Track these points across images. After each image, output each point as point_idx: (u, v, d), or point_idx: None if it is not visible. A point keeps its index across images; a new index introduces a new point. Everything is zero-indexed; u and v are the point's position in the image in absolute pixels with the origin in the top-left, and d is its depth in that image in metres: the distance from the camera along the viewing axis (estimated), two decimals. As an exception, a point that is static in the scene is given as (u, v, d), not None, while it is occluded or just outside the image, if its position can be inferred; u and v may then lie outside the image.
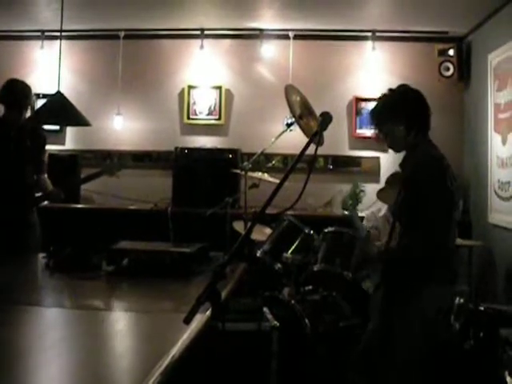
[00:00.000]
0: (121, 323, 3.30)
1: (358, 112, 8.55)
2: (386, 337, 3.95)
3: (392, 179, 6.51)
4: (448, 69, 8.22)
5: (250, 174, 6.25)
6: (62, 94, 5.36)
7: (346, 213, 4.32)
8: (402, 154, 4.23)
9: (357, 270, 5.47)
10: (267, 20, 8.25)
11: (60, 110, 5.32)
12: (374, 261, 4.31)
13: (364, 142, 8.59)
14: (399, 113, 3.99)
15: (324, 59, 8.71)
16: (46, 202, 6.01)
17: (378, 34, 8.46)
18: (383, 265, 4.09)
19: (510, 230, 6.60)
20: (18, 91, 5.75)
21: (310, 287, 5.63)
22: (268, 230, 6.03)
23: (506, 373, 4.55)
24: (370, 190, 7.51)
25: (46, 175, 5.87)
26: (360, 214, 6.77)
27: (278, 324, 4.39)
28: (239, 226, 6.27)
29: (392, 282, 4.02)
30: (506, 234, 6.73)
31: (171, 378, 2.33)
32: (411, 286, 3.82)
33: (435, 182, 3.81)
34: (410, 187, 3.92)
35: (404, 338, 3.84)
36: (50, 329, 3.06)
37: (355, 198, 5.61)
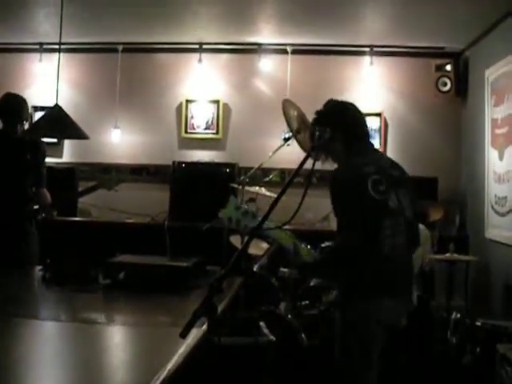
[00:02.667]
0: (117, 337, 3.29)
1: (356, 127, 8.54)
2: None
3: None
4: (445, 84, 8.25)
5: (247, 188, 6.26)
6: (59, 107, 5.36)
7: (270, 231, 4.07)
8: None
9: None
10: (265, 34, 8.28)
11: (58, 122, 5.32)
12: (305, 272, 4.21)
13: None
14: (336, 131, 3.80)
15: (322, 74, 8.72)
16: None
17: (375, 49, 8.48)
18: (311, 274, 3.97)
19: (507, 245, 6.60)
20: (14, 105, 5.75)
21: (307, 302, 5.63)
22: (265, 245, 6.03)
23: (503, 388, 4.55)
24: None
25: (45, 189, 5.86)
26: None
27: (274, 339, 4.39)
28: (236, 241, 6.27)
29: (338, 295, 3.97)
30: (503, 249, 6.72)
31: (167, 393, 2.33)
32: (344, 296, 3.78)
33: (350, 190, 3.67)
34: (331, 198, 3.78)
35: (340, 351, 3.78)
36: (46, 342, 3.06)
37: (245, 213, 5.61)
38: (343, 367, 3.73)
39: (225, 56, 8.93)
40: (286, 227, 3.31)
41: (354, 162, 3.83)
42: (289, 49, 8.57)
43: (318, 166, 3.46)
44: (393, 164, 3.99)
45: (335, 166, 3.95)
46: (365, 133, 4.06)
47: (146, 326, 3.43)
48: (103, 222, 8.34)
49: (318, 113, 4.06)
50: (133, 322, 3.57)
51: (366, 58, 8.58)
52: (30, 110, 7.14)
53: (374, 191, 3.66)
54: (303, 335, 5.05)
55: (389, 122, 8.63)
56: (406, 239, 3.75)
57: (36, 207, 5.74)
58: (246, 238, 3.13)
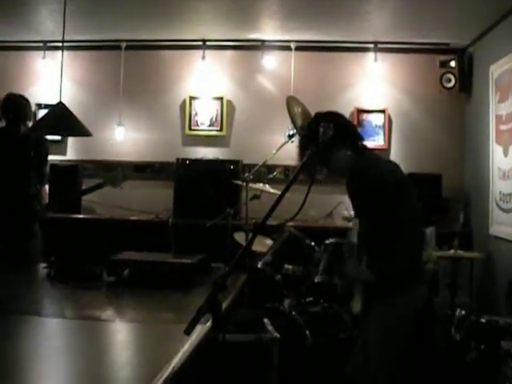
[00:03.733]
0: (121, 334, 3.30)
1: (360, 123, 8.53)
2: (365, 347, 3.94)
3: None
4: (449, 80, 8.23)
5: (251, 185, 6.26)
6: (63, 105, 5.36)
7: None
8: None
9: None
10: (269, 31, 8.27)
11: (61, 120, 5.32)
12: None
13: (365, 154, 8.58)
14: (343, 139, 3.82)
15: (326, 70, 8.71)
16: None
17: (380, 45, 8.47)
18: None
19: (511, 242, 6.59)
20: (17, 105, 5.76)
21: (311, 299, 5.62)
22: (269, 242, 6.03)
23: (508, 385, 4.54)
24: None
25: (46, 187, 5.86)
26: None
27: (278, 335, 4.38)
28: (240, 237, 6.27)
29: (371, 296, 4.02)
30: (508, 246, 6.71)
31: (171, 390, 2.33)
32: (387, 295, 3.80)
33: (398, 195, 3.75)
34: (377, 206, 3.78)
35: (381, 344, 3.83)
36: (50, 339, 3.06)
37: None
38: (384, 362, 3.80)
39: (228, 53, 8.92)
40: (290, 224, 3.33)
41: (386, 166, 3.96)
42: (292, 45, 8.55)
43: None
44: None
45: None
46: (361, 135, 4.11)
47: (151, 322, 3.43)
48: (107, 219, 8.35)
49: (311, 124, 3.98)
50: (137, 319, 3.57)
51: (370, 55, 8.57)
52: (33, 109, 7.15)
53: (413, 193, 3.78)
54: (307, 332, 5.04)
55: (393, 118, 8.62)
56: None
57: (39, 207, 5.74)
58: (250, 235, 3.13)
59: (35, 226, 5.75)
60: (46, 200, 5.83)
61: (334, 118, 3.87)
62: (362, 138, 4.02)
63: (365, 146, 4.01)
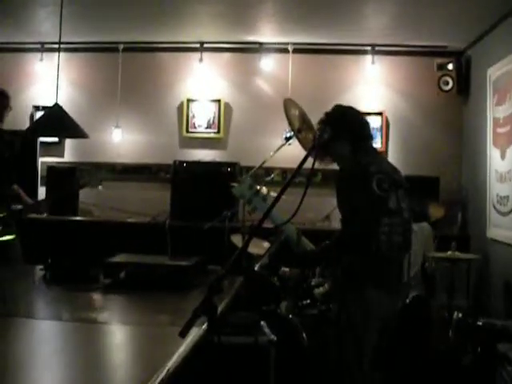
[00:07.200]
0: (117, 336, 3.29)
1: (357, 126, 8.52)
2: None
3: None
4: (447, 83, 8.23)
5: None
6: (59, 106, 5.35)
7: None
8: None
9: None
10: (266, 33, 8.27)
11: (57, 122, 5.31)
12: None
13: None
14: (345, 133, 4.06)
15: (323, 73, 8.71)
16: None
17: (377, 48, 8.47)
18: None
19: (509, 245, 6.58)
20: None
21: (308, 301, 5.61)
22: (266, 244, 6.02)
23: (504, 388, 4.54)
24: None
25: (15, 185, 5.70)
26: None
27: (275, 338, 4.37)
28: (237, 240, 6.26)
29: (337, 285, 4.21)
30: (505, 249, 6.71)
31: (166, 392, 2.32)
32: (340, 288, 4.03)
33: (356, 186, 3.89)
34: (338, 194, 4.09)
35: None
36: (46, 341, 3.05)
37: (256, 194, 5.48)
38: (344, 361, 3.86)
39: (226, 55, 8.92)
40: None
41: (361, 160, 4.03)
42: (290, 48, 8.55)
43: (319, 165, 3.49)
44: (393, 167, 4.18)
45: (335, 164, 4.20)
46: (369, 134, 4.23)
47: (146, 325, 3.42)
48: (104, 221, 8.34)
49: (326, 113, 4.18)
50: (133, 322, 3.56)
51: (368, 57, 8.57)
52: (30, 111, 7.07)
53: (378, 188, 3.79)
54: (304, 335, 5.03)
55: (390, 121, 8.62)
56: (403, 239, 3.90)
57: (19, 207, 5.64)
58: (246, 237, 3.13)
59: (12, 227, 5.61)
60: (25, 196, 5.71)
61: (349, 113, 4.20)
62: (367, 136, 4.19)
63: (370, 145, 4.21)
